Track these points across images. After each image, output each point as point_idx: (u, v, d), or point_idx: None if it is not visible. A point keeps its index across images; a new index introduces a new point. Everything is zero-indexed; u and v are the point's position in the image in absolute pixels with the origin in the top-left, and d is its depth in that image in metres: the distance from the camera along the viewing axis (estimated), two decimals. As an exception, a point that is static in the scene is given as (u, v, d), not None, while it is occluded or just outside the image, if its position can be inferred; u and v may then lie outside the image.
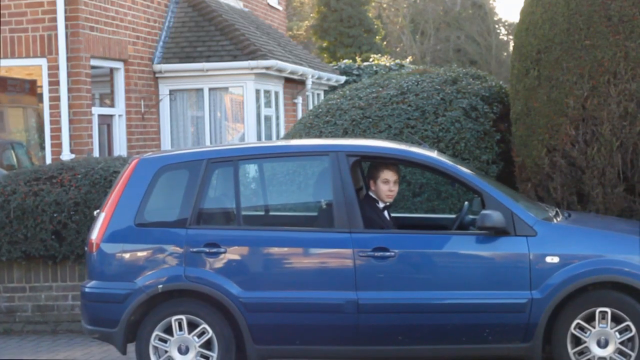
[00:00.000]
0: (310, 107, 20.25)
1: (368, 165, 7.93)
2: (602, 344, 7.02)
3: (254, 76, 17.17)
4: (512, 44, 20.38)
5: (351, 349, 7.22)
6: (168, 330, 7.35)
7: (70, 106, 14.29)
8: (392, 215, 7.89)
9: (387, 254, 7.11)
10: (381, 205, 7.64)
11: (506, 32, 45.44)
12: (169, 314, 7.32)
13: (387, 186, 7.61)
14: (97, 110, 15.26)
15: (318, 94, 21.74)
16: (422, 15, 43.61)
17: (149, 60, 16.97)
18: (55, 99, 14.32)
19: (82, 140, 14.37)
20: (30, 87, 15.15)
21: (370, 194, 7.69)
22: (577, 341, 7.07)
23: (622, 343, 7.02)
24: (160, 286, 7.27)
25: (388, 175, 7.60)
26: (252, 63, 16.93)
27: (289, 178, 9.87)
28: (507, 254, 7.09)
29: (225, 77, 17.28)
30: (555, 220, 7.37)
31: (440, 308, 7.08)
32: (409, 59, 32.22)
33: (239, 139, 17.39)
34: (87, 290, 7.49)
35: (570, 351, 7.05)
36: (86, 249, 7.64)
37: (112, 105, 16.13)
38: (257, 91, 17.49)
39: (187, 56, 17.29)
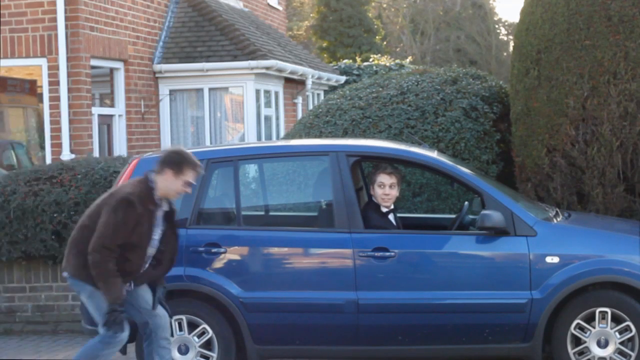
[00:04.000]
0: (310, 107, 20.23)
1: (369, 171, 7.90)
2: (602, 344, 7.02)
3: (254, 76, 17.15)
4: (512, 44, 20.35)
5: (351, 349, 7.21)
6: (168, 330, 7.35)
7: (70, 106, 14.28)
8: (392, 215, 7.89)
9: (387, 254, 7.11)
10: (384, 209, 7.62)
11: (506, 32, 45.41)
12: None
13: (381, 190, 7.56)
14: (97, 110, 15.24)
15: (318, 94, 21.73)
16: (422, 15, 43.57)
17: (149, 60, 16.96)
18: (55, 99, 14.30)
19: (82, 140, 14.36)
20: (30, 87, 15.13)
21: (373, 198, 7.67)
22: (577, 341, 7.07)
23: (622, 343, 7.02)
24: (160, 286, 7.26)
25: (383, 179, 7.55)
26: (252, 63, 16.91)
27: (289, 178, 9.87)
28: (507, 254, 7.08)
29: (225, 77, 17.26)
30: (555, 221, 7.37)
31: (440, 308, 7.08)
32: (409, 59, 32.17)
33: (239, 139, 17.37)
34: (87, 290, 7.48)
35: (570, 351, 7.05)
36: (86, 249, 7.62)
37: (112, 105, 16.11)
38: (257, 91, 17.48)
39: (187, 56, 17.27)
